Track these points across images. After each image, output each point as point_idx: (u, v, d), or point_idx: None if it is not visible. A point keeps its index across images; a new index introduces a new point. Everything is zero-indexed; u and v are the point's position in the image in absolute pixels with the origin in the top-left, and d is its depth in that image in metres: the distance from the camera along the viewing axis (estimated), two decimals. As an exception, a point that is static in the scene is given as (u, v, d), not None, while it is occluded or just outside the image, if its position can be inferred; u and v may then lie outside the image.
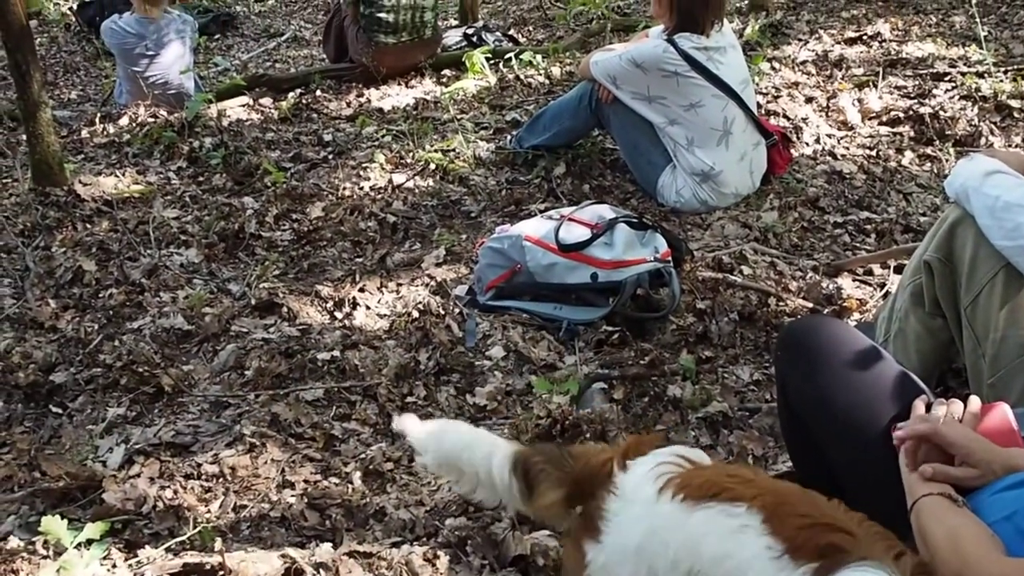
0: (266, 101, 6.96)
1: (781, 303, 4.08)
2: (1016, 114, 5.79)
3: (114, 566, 2.83)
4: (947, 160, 5.34)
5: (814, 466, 2.51)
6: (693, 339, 3.89)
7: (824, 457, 2.43)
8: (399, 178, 5.31)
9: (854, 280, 4.34)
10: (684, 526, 1.84)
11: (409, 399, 3.57)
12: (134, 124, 6.42)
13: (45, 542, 2.87)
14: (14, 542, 2.91)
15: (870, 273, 4.37)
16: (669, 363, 3.69)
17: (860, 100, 6.11)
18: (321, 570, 2.71)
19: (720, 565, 1.78)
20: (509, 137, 5.55)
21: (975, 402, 2.23)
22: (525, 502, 2.15)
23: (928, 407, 2.22)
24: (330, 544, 2.84)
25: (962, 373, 3.18)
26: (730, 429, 3.41)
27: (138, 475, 3.20)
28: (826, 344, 2.43)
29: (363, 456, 3.27)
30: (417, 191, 5.19)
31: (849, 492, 2.35)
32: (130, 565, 2.82)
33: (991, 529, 1.89)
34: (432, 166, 5.38)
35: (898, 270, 4.18)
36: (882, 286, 4.21)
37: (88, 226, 4.96)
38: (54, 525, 2.86)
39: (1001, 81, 6.17)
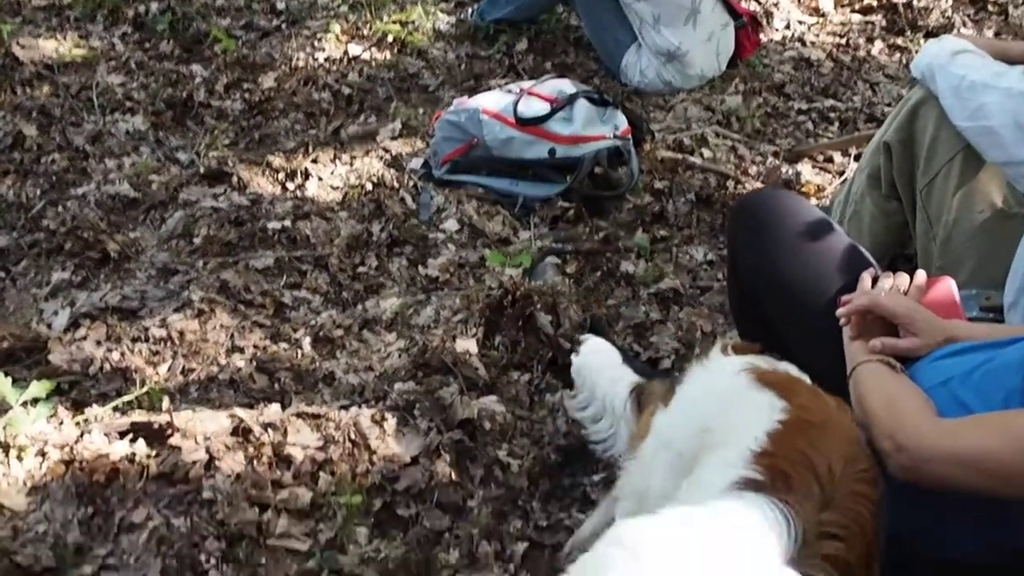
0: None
1: (740, 186, 4.07)
2: (990, 7, 5.74)
3: (61, 424, 2.81)
4: (916, 51, 5.29)
5: (762, 340, 2.53)
6: (649, 218, 3.88)
7: (772, 330, 2.44)
8: (355, 49, 5.16)
9: (814, 167, 4.33)
10: (732, 392, 1.93)
11: (360, 269, 3.55)
12: (77, -14, 6.14)
13: (-10, 400, 2.85)
14: (-43, 398, 2.88)
15: (830, 160, 4.37)
16: (624, 240, 3.70)
17: (834, -14, 6.00)
18: (269, 429, 2.72)
19: (724, 428, 1.86)
20: (471, 10, 5.39)
21: (921, 275, 2.25)
22: (635, 418, 2.33)
23: (875, 280, 2.24)
24: (278, 405, 2.84)
25: (913, 259, 3.21)
26: (680, 305, 3.44)
27: (84, 338, 3.16)
28: (778, 215, 2.42)
29: (313, 323, 3.26)
30: (374, 63, 5.05)
31: (796, 364, 2.39)
32: (77, 423, 2.81)
33: (927, 395, 1.93)
34: (390, 38, 5.23)
35: (858, 158, 4.17)
36: (841, 174, 4.22)
37: (28, 90, 4.77)
38: (-2, 383, 2.83)
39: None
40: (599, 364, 2.61)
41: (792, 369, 2.04)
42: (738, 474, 1.68)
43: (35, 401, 2.85)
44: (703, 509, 1.65)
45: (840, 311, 2.18)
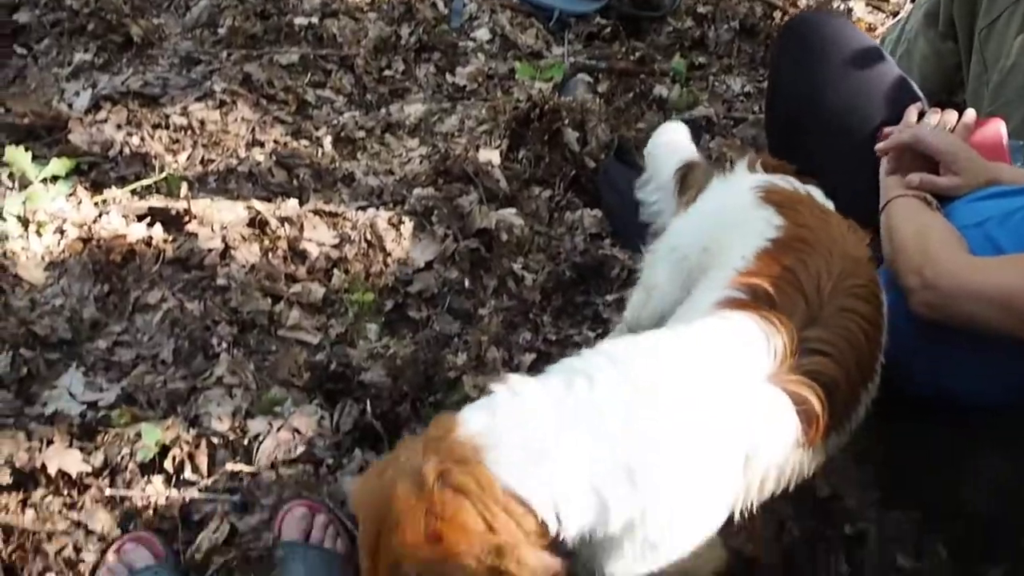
0: None
1: (787, 18, 3.89)
2: None
3: (80, 203, 2.81)
4: None
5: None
6: (688, 43, 3.73)
7: (808, 160, 2.37)
8: None
9: (868, 4, 4.12)
10: (736, 209, 1.89)
11: (386, 72, 3.45)
12: None
13: (11, 174, 2.83)
14: (-21, 171, 2.87)
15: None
16: (660, 63, 3.57)
17: None
18: (286, 224, 2.70)
19: (720, 248, 1.84)
20: None
21: (970, 114, 2.15)
22: (675, 196, 2.29)
23: (921, 115, 2.15)
24: (296, 201, 2.82)
25: (961, 107, 3.09)
26: (712, 135, 3.34)
27: (105, 120, 3.11)
28: (828, 38, 2.32)
29: (335, 123, 3.20)
30: None
31: (826, 195, 2.33)
32: (96, 203, 2.80)
33: (961, 234, 1.88)
34: None
35: (915, -2, 3.98)
36: (895, 14, 4.01)
37: None
38: (19, 156, 2.81)
39: None
40: (665, 140, 2.54)
41: (816, 193, 1.97)
42: (722, 295, 1.67)
43: (55, 179, 2.85)
44: (687, 328, 1.65)
45: (880, 145, 2.11)
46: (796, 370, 1.56)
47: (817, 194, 1.96)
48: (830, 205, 1.95)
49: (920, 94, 2.29)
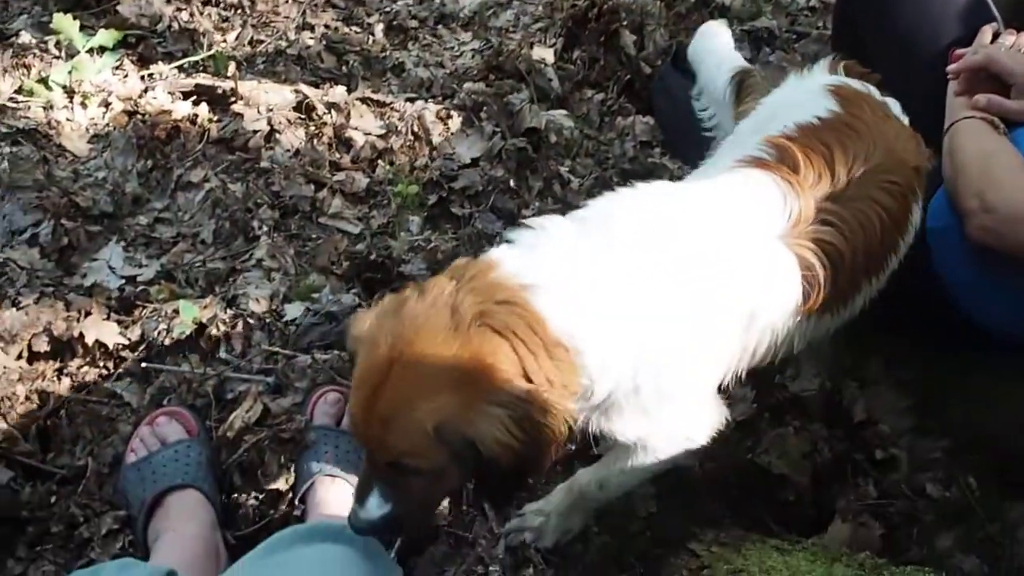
0: None
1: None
2: None
3: (126, 76, 2.78)
4: None
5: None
6: (755, -50, 3.60)
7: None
8: None
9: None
10: (802, 101, 1.84)
11: (444, -35, 3.36)
12: None
13: (57, 43, 2.80)
14: (26, 38, 2.84)
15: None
16: (725, -30, 3.44)
17: None
18: (332, 110, 2.66)
19: (772, 123, 1.79)
20: None
21: (1046, 37, 2.05)
22: (732, 105, 2.26)
23: (995, 36, 2.05)
24: (344, 88, 2.77)
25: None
26: (773, 48, 3.23)
27: (154, -9, 3.06)
28: (905, -50, 2.21)
29: (388, 10, 3.13)
30: None
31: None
32: (142, 77, 2.78)
33: None
34: None
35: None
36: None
37: None
38: (66, 24, 2.77)
39: None
40: (709, 46, 2.50)
41: (894, 105, 1.91)
42: (747, 153, 1.67)
43: (102, 50, 2.81)
44: (708, 181, 1.66)
45: (952, 66, 2.02)
46: (807, 236, 1.56)
47: (894, 106, 1.91)
48: (905, 121, 1.89)
49: (996, 14, 2.18)
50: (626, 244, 1.44)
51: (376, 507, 1.40)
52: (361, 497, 1.40)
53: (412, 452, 1.33)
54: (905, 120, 1.89)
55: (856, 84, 1.91)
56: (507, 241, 1.47)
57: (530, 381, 1.32)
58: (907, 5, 2.18)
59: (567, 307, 1.36)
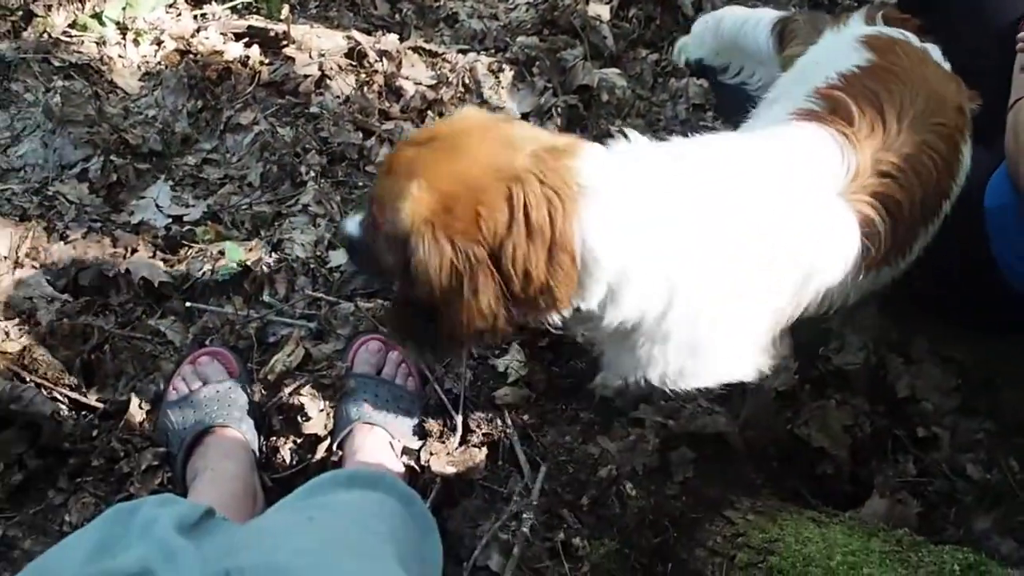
0: None
1: None
2: None
3: (179, 15, 2.77)
4: None
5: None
6: (822, -86, 3.51)
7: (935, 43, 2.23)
8: None
9: None
10: (836, 56, 1.79)
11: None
12: None
13: (113, -23, 2.80)
14: (80, -28, 2.83)
15: None
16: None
17: None
18: (384, 58, 2.64)
19: (809, 80, 1.75)
20: None
21: (1124, 13, 1.99)
22: (777, 53, 2.20)
23: (1069, 11, 1.99)
24: (396, 36, 2.74)
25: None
26: (834, 14, 3.15)
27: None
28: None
29: (444, -41, 3.09)
30: None
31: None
32: (195, 17, 2.77)
33: None
34: None
35: None
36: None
37: None
38: (121, -40, 2.77)
39: None
40: (732, 19, 2.42)
41: (934, 51, 1.86)
42: (801, 105, 1.63)
43: (156, -17, 2.81)
44: (768, 133, 1.63)
45: (1021, 45, 1.95)
46: (865, 190, 1.53)
47: (935, 51, 1.86)
48: (946, 67, 1.85)
49: (1071, -13, 2.11)
50: (689, 187, 1.45)
51: (352, 227, 1.56)
52: (354, 214, 1.56)
53: (382, 215, 1.40)
54: (946, 66, 1.85)
55: (893, 32, 1.85)
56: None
57: (498, 256, 1.35)
58: (979, -29, 2.11)
59: (606, 226, 1.37)
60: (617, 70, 2.73)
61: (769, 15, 2.31)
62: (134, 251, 2.18)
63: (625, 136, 1.48)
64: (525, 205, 1.33)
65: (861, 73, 1.69)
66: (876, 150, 1.56)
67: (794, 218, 1.50)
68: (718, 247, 1.44)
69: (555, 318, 1.48)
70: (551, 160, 1.36)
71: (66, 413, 1.90)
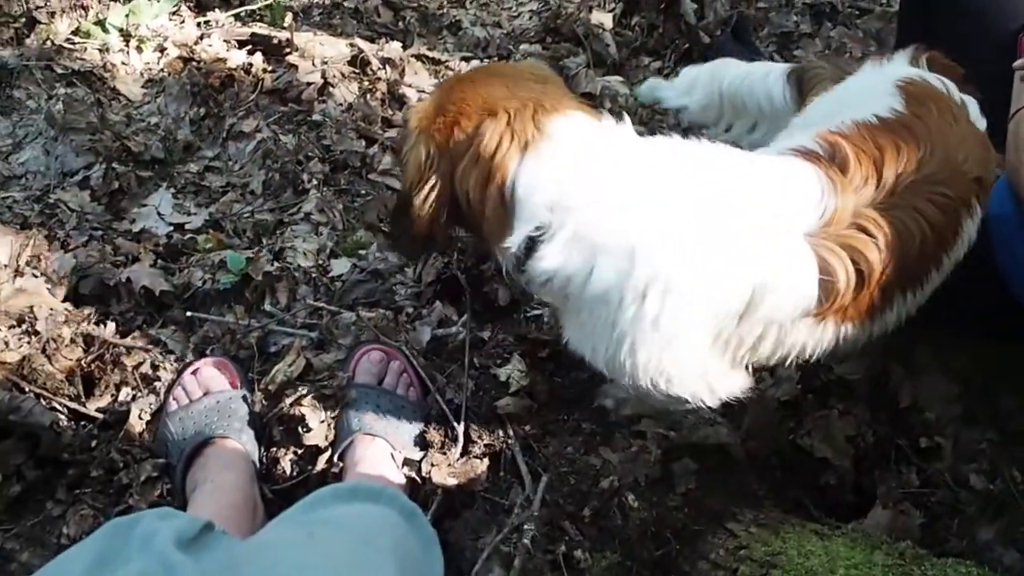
0: None
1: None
2: None
3: (183, 22, 2.78)
4: None
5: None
6: (823, -79, 3.51)
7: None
8: None
9: None
10: (871, 94, 1.76)
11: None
12: None
13: (116, -15, 2.81)
14: (84, -22, 2.84)
15: None
16: (791, -61, 3.36)
17: None
18: (387, 65, 2.64)
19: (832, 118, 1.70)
20: None
21: (1121, 24, 1.98)
22: (795, 103, 2.13)
23: (1068, 22, 1.98)
24: (400, 44, 2.75)
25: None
26: (835, 23, 3.16)
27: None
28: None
29: (447, -34, 3.10)
30: None
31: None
32: (198, 24, 2.77)
33: None
34: None
35: None
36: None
37: None
38: (124, -33, 2.78)
39: None
40: (736, 72, 2.30)
41: (972, 105, 1.81)
42: (800, 143, 1.59)
43: (160, -5, 2.81)
44: (756, 158, 1.59)
45: (1019, 62, 1.95)
46: (837, 239, 1.48)
47: (972, 106, 1.81)
48: (981, 124, 1.80)
49: (1071, -3, 2.11)
50: (642, 172, 1.47)
51: None
52: None
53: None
54: (982, 123, 1.79)
55: (933, 80, 1.80)
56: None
57: (454, 172, 1.51)
58: (979, -15, 2.11)
59: (540, 176, 1.45)
60: (620, 78, 2.73)
61: (779, 67, 2.22)
62: (135, 259, 2.18)
63: (620, 117, 1.52)
64: (482, 134, 1.47)
65: (879, 125, 1.63)
66: (861, 204, 1.51)
67: (751, 238, 1.46)
68: (650, 227, 1.43)
69: (499, 257, 1.55)
70: (534, 109, 1.47)
71: (65, 424, 1.89)
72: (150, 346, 2.04)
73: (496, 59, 2.76)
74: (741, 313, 1.50)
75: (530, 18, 2.92)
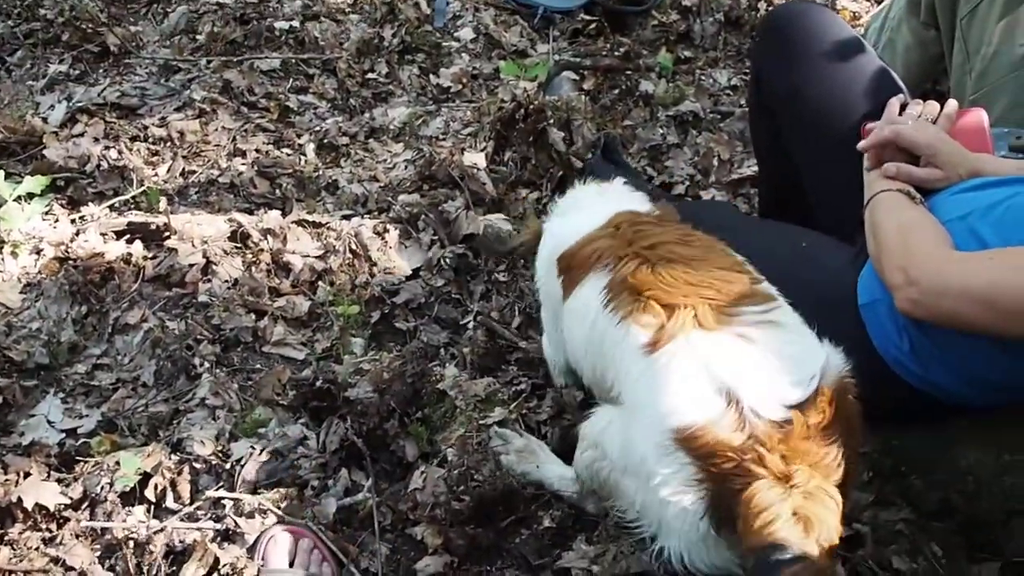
0: None
1: (771, 7, 3.83)
2: None
3: (56, 221, 2.76)
4: None
5: (778, 164, 2.41)
6: (674, 38, 3.68)
7: (789, 155, 2.32)
8: None
9: (853, -8, 4.06)
10: None
11: (370, 76, 3.40)
12: None
13: (-17, 194, 2.78)
14: (-50, 192, 2.81)
15: (870, -13, 4.10)
16: (645, 59, 3.51)
17: None
18: (268, 236, 2.65)
19: None
20: None
21: (952, 104, 2.09)
22: None
23: (903, 107, 2.09)
24: (279, 212, 2.77)
25: (945, 97, 3.03)
26: (699, 130, 3.29)
27: (81, 134, 3.06)
28: (808, 31, 2.25)
29: (318, 129, 3.15)
30: None
31: (810, 190, 2.27)
32: (73, 221, 2.75)
33: (945, 228, 1.83)
34: None
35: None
36: (879, 1, 3.95)
37: None
38: (-9, 176, 2.76)
39: None
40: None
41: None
42: None
43: (30, 197, 2.79)
44: None
45: (862, 143, 2.05)
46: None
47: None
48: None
49: (902, 85, 2.23)
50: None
51: None
52: None
53: None
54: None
55: None
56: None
57: None
58: (814, 85, 2.21)
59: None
60: (501, 214, 2.78)
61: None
62: (27, 475, 2.10)
63: None
64: None
65: None
66: None
67: None
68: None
69: None
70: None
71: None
72: (49, 566, 1.95)
73: (377, 213, 2.80)
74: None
75: (405, 168, 2.97)
